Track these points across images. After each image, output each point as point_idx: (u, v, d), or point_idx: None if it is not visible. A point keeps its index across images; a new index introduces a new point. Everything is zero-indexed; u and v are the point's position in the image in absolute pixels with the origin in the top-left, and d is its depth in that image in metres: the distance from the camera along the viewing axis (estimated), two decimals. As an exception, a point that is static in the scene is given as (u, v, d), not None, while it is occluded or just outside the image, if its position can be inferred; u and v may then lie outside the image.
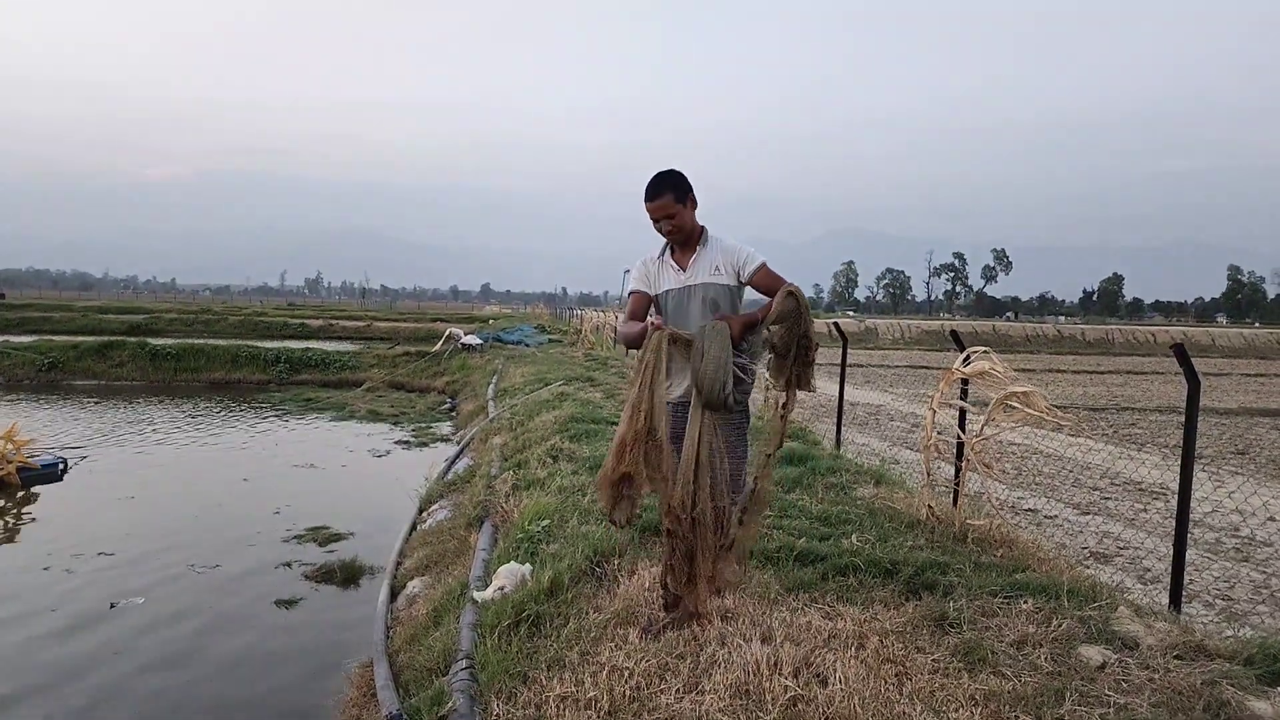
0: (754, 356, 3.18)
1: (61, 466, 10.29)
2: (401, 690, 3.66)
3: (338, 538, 7.77)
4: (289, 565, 6.93)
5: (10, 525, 8.44)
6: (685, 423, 3.17)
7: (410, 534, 7.16)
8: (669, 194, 3.20)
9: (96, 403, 17.64)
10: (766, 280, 3.24)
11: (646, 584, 3.85)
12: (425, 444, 13.23)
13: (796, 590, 3.84)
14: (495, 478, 7.14)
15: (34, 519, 8.58)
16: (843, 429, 8.09)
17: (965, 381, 5.19)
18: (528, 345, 25.95)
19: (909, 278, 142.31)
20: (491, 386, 16.34)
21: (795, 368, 3.10)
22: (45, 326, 32.85)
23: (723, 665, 3.04)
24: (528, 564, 4.33)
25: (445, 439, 13.67)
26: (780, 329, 3.02)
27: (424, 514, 7.69)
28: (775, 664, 3.01)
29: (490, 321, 40.11)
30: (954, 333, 6.17)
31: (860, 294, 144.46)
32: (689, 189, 3.23)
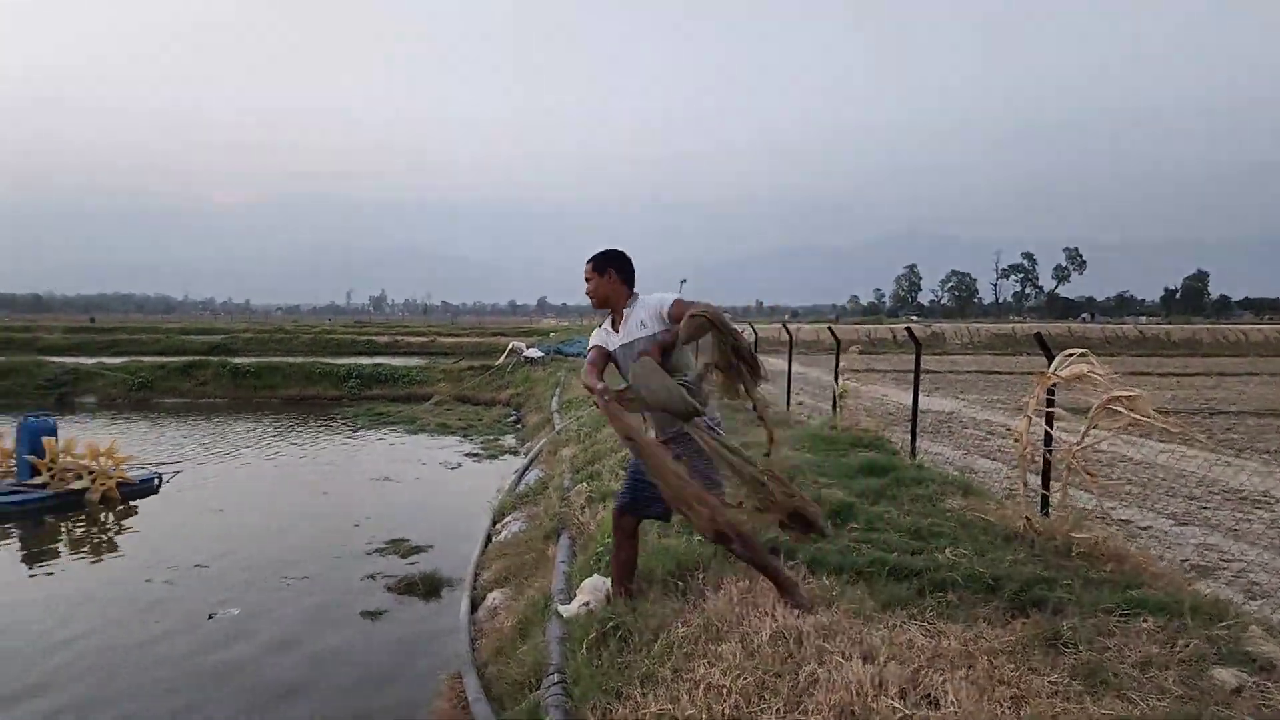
0: (698, 378, 3.59)
1: (157, 481, 10.71)
2: (494, 703, 3.66)
3: (417, 550, 7.89)
4: (373, 577, 7.06)
5: (112, 538, 8.81)
6: (688, 448, 3.59)
7: (486, 546, 7.22)
8: (591, 264, 3.89)
9: (184, 420, 18.36)
10: (679, 310, 3.63)
11: (734, 598, 3.78)
12: (494, 456, 13.38)
13: (893, 606, 3.71)
14: (569, 490, 7.14)
15: (135, 531, 8.94)
16: (911, 437, 7.89)
17: (1051, 388, 4.98)
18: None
19: (975, 280, 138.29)
20: (555, 398, 16.47)
21: (744, 374, 3.47)
22: (134, 348, 34.34)
23: (824, 684, 2.95)
24: (600, 576, 4.30)
25: (513, 451, 13.80)
26: (713, 348, 3.41)
27: (498, 526, 7.75)
28: (880, 684, 2.90)
29: (550, 334, 40.49)
30: (1039, 336, 5.93)
31: (924, 298, 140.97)
32: (609, 264, 3.86)
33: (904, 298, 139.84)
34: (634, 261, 3.95)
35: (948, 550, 4.37)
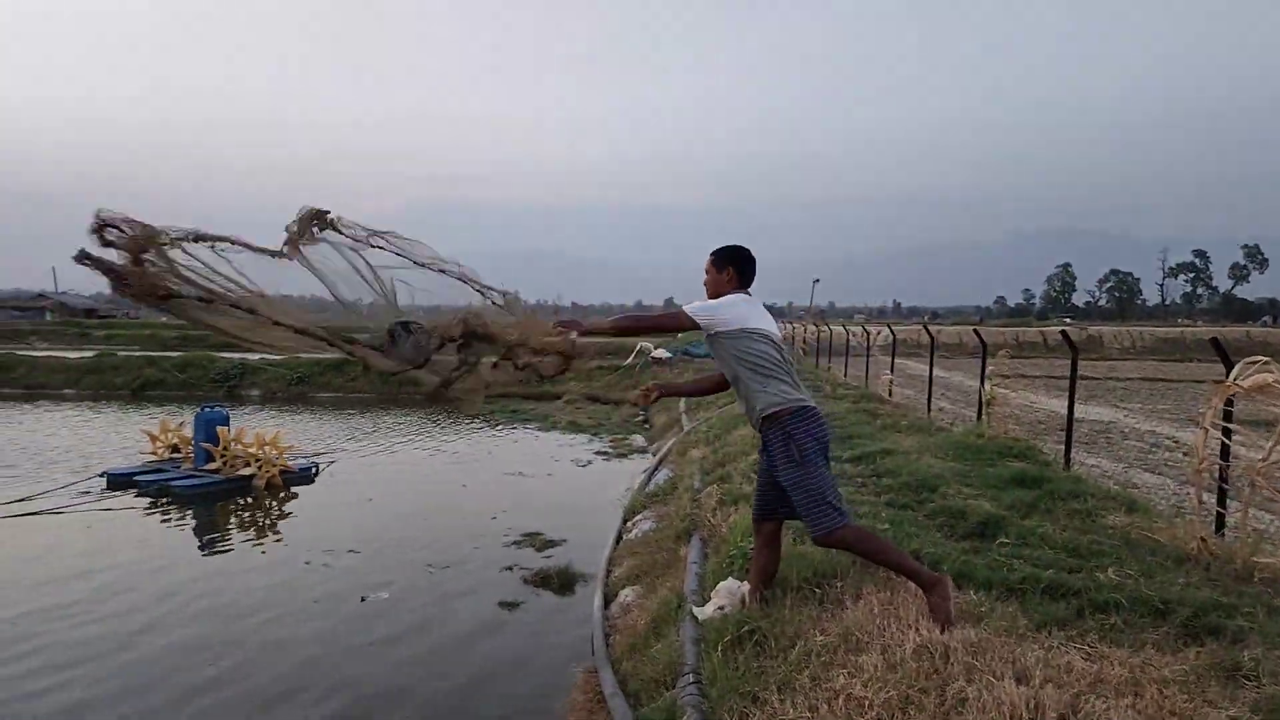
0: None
1: (314, 470, 11.55)
2: (630, 699, 3.71)
3: (552, 544, 8.11)
4: (510, 569, 7.32)
5: (275, 522, 9.55)
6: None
7: (617, 543, 7.34)
8: (712, 259, 3.87)
9: (337, 413, 19.67)
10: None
11: (875, 609, 3.67)
12: (623, 455, 13.57)
13: (1049, 626, 3.50)
14: (699, 491, 7.15)
15: (294, 516, 9.66)
16: (1065, 448, 7.41)
17: (1230, 398, 4.55)
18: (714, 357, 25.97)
19: (1137, 280, 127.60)
20: (683, 400, 16.52)
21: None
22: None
23: (973, 704, 2.81)
24: (745, 581, 4.27)
25: (641, 450, 13.96)
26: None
27: (629, 524, 7.86)
28: (1036, 707, 2.74)
29: (679, 336, 40.65)
30: (1216, 341, 5.44)
31: (1078, 298, 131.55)
32: (731, 263, 3.82)
33: (1056, 298, 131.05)
34: (762, 260, 3.89)
35: (1110, 570, 4.08)
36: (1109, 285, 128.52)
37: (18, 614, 6.12)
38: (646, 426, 17.20)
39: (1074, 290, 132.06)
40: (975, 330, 13.95)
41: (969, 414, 10.61)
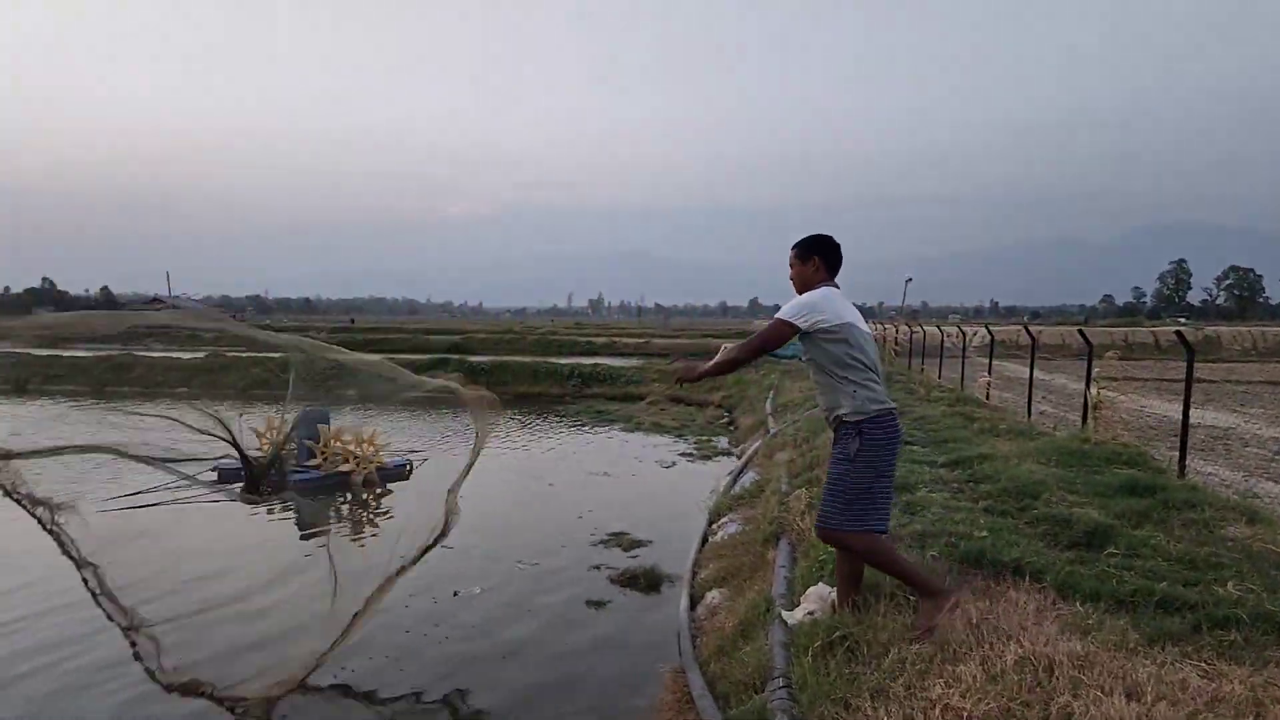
0: None
1: (408, 467, 11.94)
2: (719, 701, 3.70)
3: (638, 544, 8.16)
4: (598, 568, 7.41)
5: (372, 516, 9.92)
6: None
7: (702, 545, 7.32)
8: (796, 250, 3.79)
9: (428, 411, 20.27)
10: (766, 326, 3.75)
11: (973, 618, 3.55)
12: (708, 457, 13.53)
13: (1162, 641, 3.33)
14: (786, 495, 7.06)
15: (389, 513, 10.00)
16: (1179, 454, 6.99)
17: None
18: (801, 360, 25.62)
19: (1260, 277, 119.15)
20: (769, 402, 16.35)
21: None
22: (387, 346, 38.40)
23: (1080, 719, 2.70)
24: (834, 587, 4.20)
25: (726, 453, 13.89)
26: None
27: (714, 526, 7.83)
28: (1148, 726, 2.61)
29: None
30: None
31: (1194, 297, 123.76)
32: (816, 252, 3.72)
33: (1169, 297, 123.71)
34: (851, 260, 3.79)
35: (1230, 584, 3.84)
36: (1228, 283, 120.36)
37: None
38: (732, 428, 17.10)
39: (1189, 288, 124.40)
40: (1080, 330, 13.32)
41: (1073, 418, 10.13)
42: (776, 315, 3.65)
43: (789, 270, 3.81)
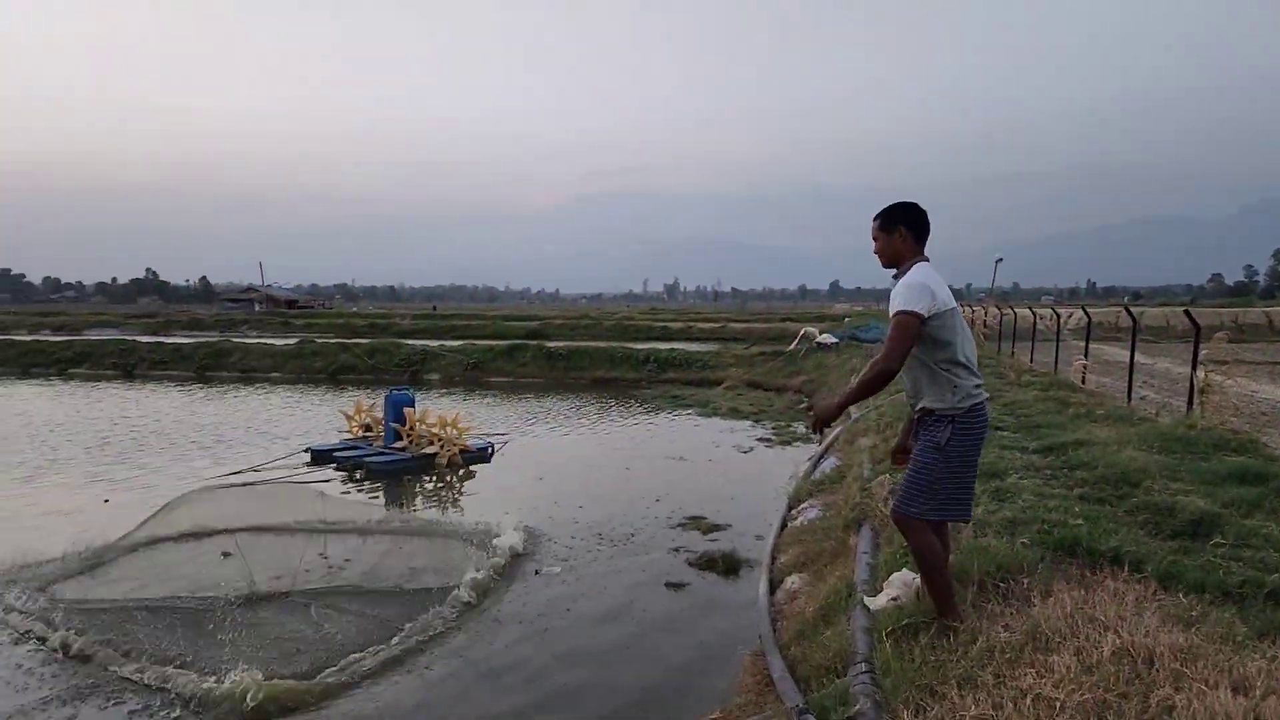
0: None
1: (490, 450, 12.23)
2: (799, 684, 3.68)
3: (716, 528, 8.17)
4: (677, 550, 7.46)
5: (456, 497, 10.19)
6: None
7: (781, 530, 7.28)
8: (878, 222, 3.55)
9: (509, 396, 20.71)
10: (891, 328, 3.35)
11: (1067, 608, 3.43)
12: (786, 442, 13.41)
13: (1271, 635, 3.16)
14: (869, 481, 6.94)
15: (473, 494, 10.27)
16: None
17: None
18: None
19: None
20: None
21: None
22: (468, 333, 39.37)
23: (1181, 713, 2.58)
24: (911, 571, 4.12)
25: (805, 438, 13.72)
26: None
27: (793, 511, 7.76)
28: (1256, 721, 2.48)
29: (845, 320, 39.51)
30: None
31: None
32: (900, 221, 3.49)
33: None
34: (939, 240, 3.61)
35: (1350, 579, 3.60)
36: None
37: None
38: (810, 414, 16.89)
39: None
40: (1186, 311, 12.61)
41: (1177, 404, 9.62)
42: (897, 309, 3.32)
43: (873, 245, 3.58)
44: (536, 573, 6.85)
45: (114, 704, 4.64)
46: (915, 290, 3.31)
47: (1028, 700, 2.76)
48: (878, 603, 3.97)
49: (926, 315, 3.28)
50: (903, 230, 3.48)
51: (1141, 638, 3.04)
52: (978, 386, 3.42)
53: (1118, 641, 3.04)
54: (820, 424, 3.47)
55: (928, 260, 3.51)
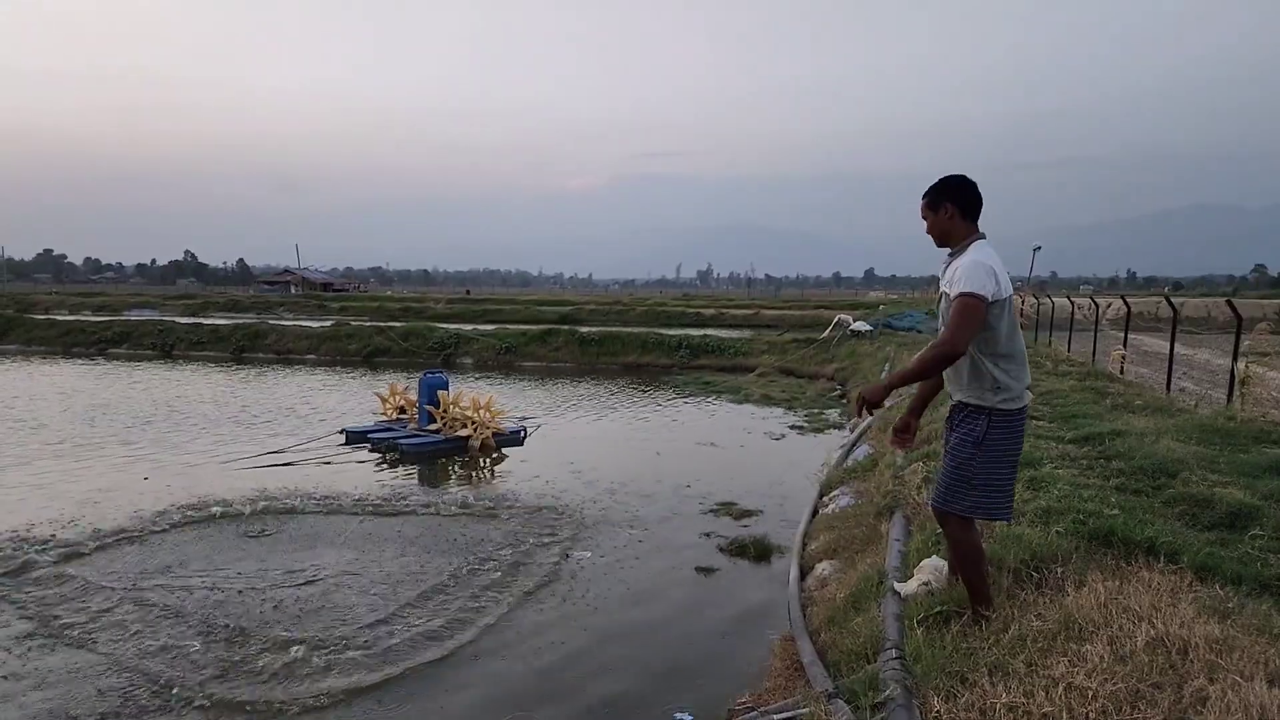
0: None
1: (523, 434, 12.35)
2: (829, 669, 3.72)
3: (748, 514, 8.21)
4: (708, 535, 7.51)
5: (490, 480, 10.31)
6: None
7: (813, 517, 7.30)
8: (925, 200, 3.44)
9: (542, 380, 20.86)
10: (955, 309, 3.17)
11: (1101, 598, 3.42)
12: (819, 430, 13.38)
13: (1309, 628, 3.12)
14: (902, 469, 6.92)
15: (505, 476, 10.38)
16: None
17: None
18: (919, 331, 24.86)
19: None
20: (884, 374, 15.96)
21: None
22: (500, 317, 39.70)
23: (1216, 704, 2.58)
24: (942, 558, 4.12)
25: (837, 426, 13.69)
26: None
27: (824, 499, 7.78)
28: (1291, 714, 2.47)
29: (880, 308, 39.13)
30: None
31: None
32: (946, 197, 3.37)
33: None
34: (983, 224, 3.52)
35: (1394, 573, 3.54)
36: None
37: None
38: (844, 401, 16.81)
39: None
40: (1228, 302, 12.33)
41: (1217, 395, 9.44)
42: (961, 290, 3.12)
43: (924, 224, 3.47)
44: (567, 556, 6.93)
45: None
46: (980, 271, 3.15)
47: (1059, 689, 2.78)
48: (909, 588, 3.99)
49: (990, 300, 3.14)
50: (949, 207, 3.36)
51: (1176, 628, 3.04)
52: (1027, 388, 3.33)
53: (1152, 632, 3.03)
54: (868, 405, 3.26)
55: (985, 237, 3.36)
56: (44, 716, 4.28)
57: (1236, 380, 8.24)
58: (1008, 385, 3.25)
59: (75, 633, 5.25)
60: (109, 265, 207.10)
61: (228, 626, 5.32)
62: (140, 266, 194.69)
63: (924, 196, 3.46)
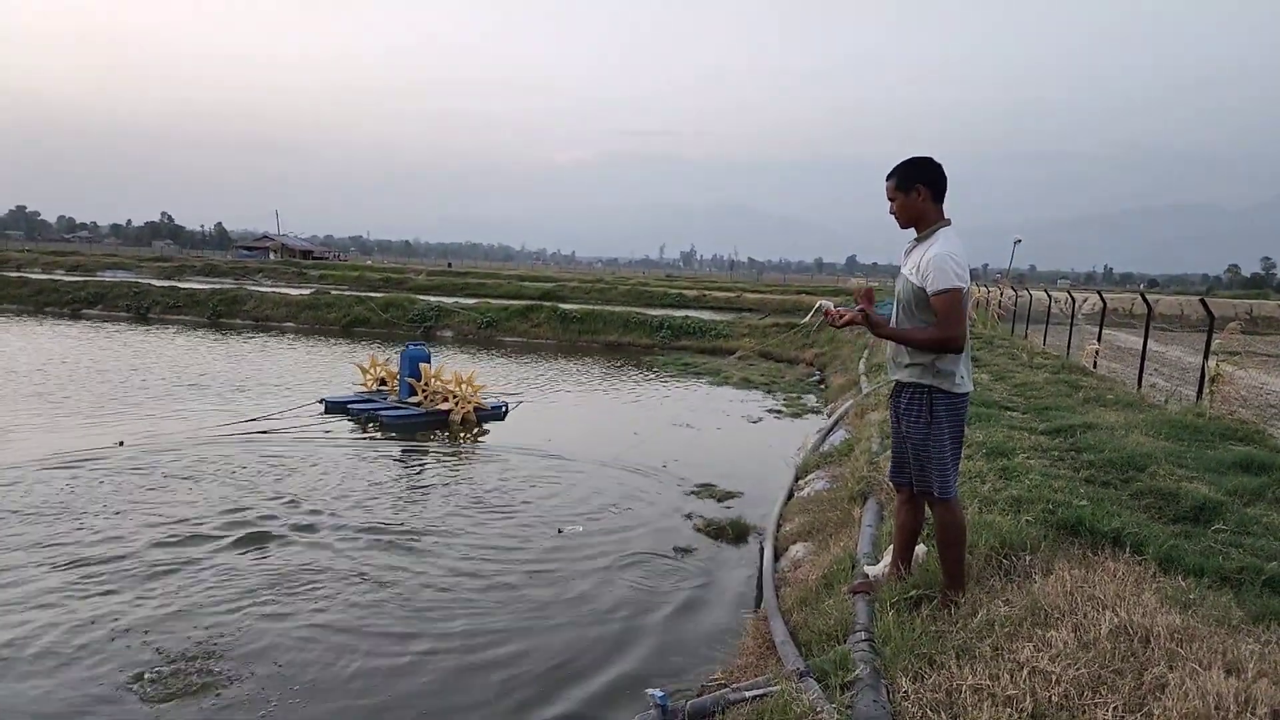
0: None
1: (504, 409, 12.34)
2: (800, 648, 3.79)
3: (728, 495, 8.27)
4: (688, 516, 7.56)
5: (469, 456, 10.27)
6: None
7: (788, 500, 7.37)
8: (893, 180, 3.38)
9: (522, 357, 20.82)
10: (939, 307, 3.25)
11: (1067, 585, 3.51)
12: (796, 414, 13.47)
13: (1266, 620, 3.23)
14: (877, 455, 7.01)
15: (484, 454, 10.37)
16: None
17: None
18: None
19: None
20: (863, 361, 16.08)
21: None
22: (482, 291, 39.43)
23: (1175, 690, 2.66)
24: (923, 545, 4.21)
25: (815, 411, 13.80)
26: None
27: (800, 482, 7.86)
28: (1246, 702, 2.57)
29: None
30: None
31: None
32: (919, 179, 3.32)
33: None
34: (964, 221, 3.54)
35: (1346, 568, 3.66)
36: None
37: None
38: (822, 386, 16.94)
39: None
40: (1201, 300, 12.53)
41: (1187, 392, 9.63)
42: (943, 287, 3.21)
43: (890, 206, 3.43)
44: (559, 531, 6.97)
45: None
46: (952, 264, 3.24)
47: (1024, 673, 2.85)
48: (877, 570, 4.08)
49: (964, 290, 3.26)
50: (922, 189, 3.35)
51: (1139, 617, 3.12)
52: (969, 378, 3.44)
53: (1115, 620, 3.12)
54: (870, 323, 3.36)
55: (950, 223, 3.39)
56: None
57: (1207, 378, 8.40)
58: (949, 371, 3.36)
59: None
60: (83, 224, 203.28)
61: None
62: (115, 227, 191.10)
63: (890, 177, 3.41)
